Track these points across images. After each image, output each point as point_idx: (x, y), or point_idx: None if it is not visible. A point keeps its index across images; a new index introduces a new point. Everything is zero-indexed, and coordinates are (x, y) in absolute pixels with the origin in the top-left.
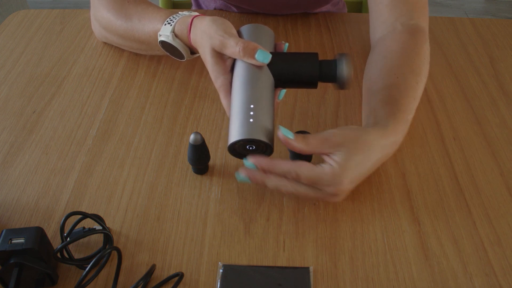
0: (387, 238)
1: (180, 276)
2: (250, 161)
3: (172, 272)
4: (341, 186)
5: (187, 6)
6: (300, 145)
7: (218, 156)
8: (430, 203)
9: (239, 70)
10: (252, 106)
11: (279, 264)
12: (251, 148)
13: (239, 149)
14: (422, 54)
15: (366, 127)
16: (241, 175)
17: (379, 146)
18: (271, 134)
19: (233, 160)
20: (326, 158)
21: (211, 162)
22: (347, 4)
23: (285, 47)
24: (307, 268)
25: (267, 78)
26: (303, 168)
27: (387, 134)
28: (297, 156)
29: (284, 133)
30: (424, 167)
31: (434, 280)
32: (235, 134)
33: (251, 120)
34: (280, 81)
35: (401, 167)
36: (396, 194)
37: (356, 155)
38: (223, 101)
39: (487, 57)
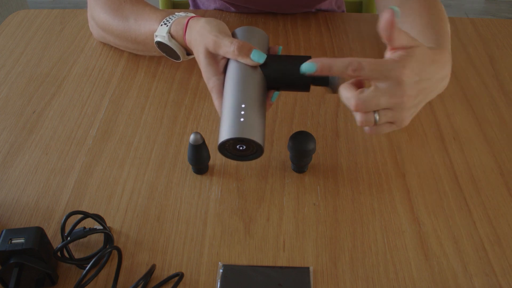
0: (387, 238)
1: (180, 276)
2: (309, 62)
3: (172, 272)
4: (404, 70)
5: (186, 6)
6: (394, 31)
7: (218, 156)
8: (430, 203)
9: (232, 71)
10: (243, 105)
11: (279, 264)
12: (241, 148)
13: (229, 149)
14: (443, 11)
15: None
16: (307, 62)
17: (435, 57)
18: (262, 134)
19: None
20: (391, 53)
21: (211, 162)
22: (347, 4)
23: (279, 50)
24: (307, 268)
25: (260, 79)
26: (365, 59)
27: (438, 52)
28: (297, 155)
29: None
30: (424, 167)
31: (434, 280)
32: (225, 133)
33: (242, 119)
34: (273, 83)
35: (401, 167)
36: (396, 194)
37: (417, 55)
38: (215, 102)
39: (487, 57)
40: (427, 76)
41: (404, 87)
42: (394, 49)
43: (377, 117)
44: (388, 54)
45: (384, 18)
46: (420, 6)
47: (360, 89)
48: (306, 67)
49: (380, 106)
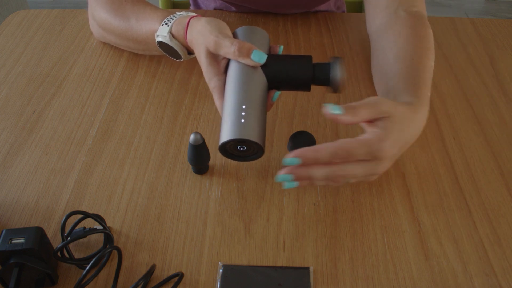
0: (387, 238)
1: (180, 276)
2: (291, 156)
3: (172, 272)
4: (385, 149)
5: (186, 6)
6: (348, 117)
7: (218, 156)
8: (430, 203)
9: (233, 71)
10: (244, 106)
11: (279, 264)
12: (242, 148)
13: (230, 150)
14: (429, 39)
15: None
16: (281, 175)
17: (414, 119)
18: (263, 135)
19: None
20: (368, 125)
21: (211, 162)
22: (347, 4)
23: (280, 49)
24: (307, 268)
25: (260, 79)
26: (350, 143)
27: (417, 109)
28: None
29: (332, 111)
30: (424, 167)
31: (434, 280)
32: (226, 134)
33: (243, 120)
34: (274, 83)
35: (401, 167)
36: (396, 194)
37: (397, 123)
38: (217, 102)
39: (487, 57)
40: (405, 142)
41: (383, 163)
42: (369, 121)
43: (349, 181)
44: (365, 126)
45: (328, 117)
46: (408, 36)
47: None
48: (290, 161)
49: (357, 176)
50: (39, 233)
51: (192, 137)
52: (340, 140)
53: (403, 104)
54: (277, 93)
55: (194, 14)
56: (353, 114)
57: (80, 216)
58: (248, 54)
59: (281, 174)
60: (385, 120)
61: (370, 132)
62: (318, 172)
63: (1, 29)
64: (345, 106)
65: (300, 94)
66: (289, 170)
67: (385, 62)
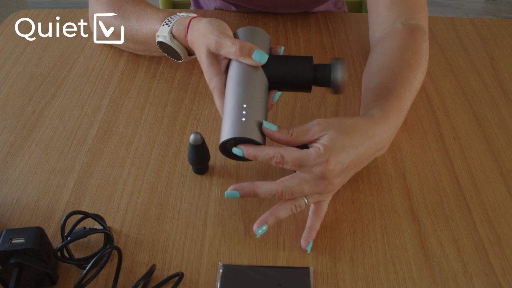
0: (387, 238)
1: (180, 276)
2: (238, 147)
3: (172, 272)
4: (328, 165)
5: (187, 6)
6: (284, 136)
7: (218, 156)
8: (430, 203)
9: (234, 71)
10: (245, 105)
11: (279, 264)
12: None
13: (230, 149)
14: (421, 52)
15: (355, 117)
16: (229, 191)
17: (369, 132)
18: (264, 134)
19: (233, 160)
20: (312, 143)
21: (211, 162)
22: (347, 4)
23: (281, 50)
24: (307, 268)
25: (261, 79)
26: (288, 150)
27: (377, 121)
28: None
29: (267, 126)
30: (424, 167)
31: (434, 280)
32: (226, 132)
33: (243, 119)
34: (274, 83)
35: (401, 167)
36: (396, 194)
37: (343, 137)
38: (217, 102)
39: (487, 57)
40: (354, 158)
41: (329, 179)
42: (312, 141)
43: (306, 201)
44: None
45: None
46: (394, 48)
47: (281, 179)
48: (237, 151)
49: (305, 193)
50: (39, 233)
51: (192, 137)
52: (284, 147)
53: (356, 118)
54: (277, 94)
55: (194, 15)
56: (289, 134)
57: (80, 216)
58: (249, 54)
59: (228, 190)
60: (323, 137)
61: (311, 148)
62: (261, 188)
63: (1, 29)
64: (281, 127)
65: (301, 95)
66: (235, 187)
67: (369, 74)
